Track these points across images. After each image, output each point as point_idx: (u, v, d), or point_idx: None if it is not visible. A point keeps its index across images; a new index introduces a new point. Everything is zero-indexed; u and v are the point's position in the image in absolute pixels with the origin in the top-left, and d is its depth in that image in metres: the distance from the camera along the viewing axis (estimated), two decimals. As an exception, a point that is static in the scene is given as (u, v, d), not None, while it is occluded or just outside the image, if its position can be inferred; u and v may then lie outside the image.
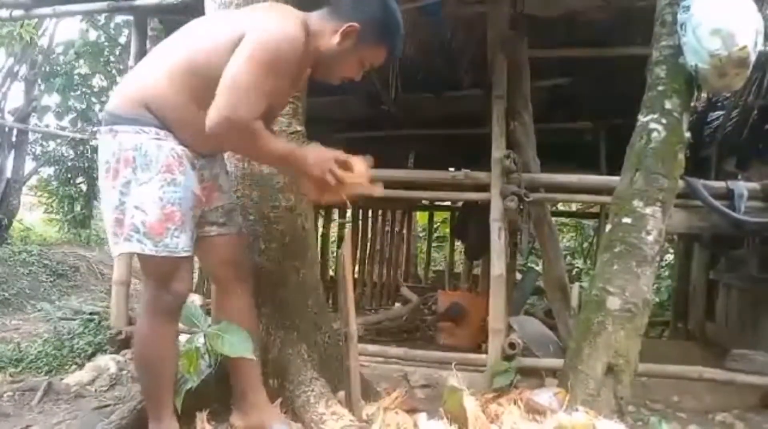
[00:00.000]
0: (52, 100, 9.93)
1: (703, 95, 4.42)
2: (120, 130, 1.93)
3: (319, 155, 2.02)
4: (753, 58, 2.32)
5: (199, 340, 2.28)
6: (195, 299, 2.91)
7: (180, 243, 1.97)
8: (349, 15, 2.00)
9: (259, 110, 1.87)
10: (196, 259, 2.19)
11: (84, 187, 10.54)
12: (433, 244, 9.85)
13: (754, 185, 3.25)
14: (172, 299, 2.03)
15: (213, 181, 2.17)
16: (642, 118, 2.54)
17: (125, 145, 1.92)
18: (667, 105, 2.49)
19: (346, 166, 2.02)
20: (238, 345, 2.12)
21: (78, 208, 10.40)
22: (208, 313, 2.43)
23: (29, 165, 10.09)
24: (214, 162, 2.19)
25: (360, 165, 2.05)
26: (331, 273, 6.89)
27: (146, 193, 1.92)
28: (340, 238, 7.13)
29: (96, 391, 3.19)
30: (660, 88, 2.52)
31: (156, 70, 1.97)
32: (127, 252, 1.98)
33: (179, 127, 1.96)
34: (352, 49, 2.03)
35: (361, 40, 2.01)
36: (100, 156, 2.00)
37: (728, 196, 3.18)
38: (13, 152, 9.15)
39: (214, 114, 1.83)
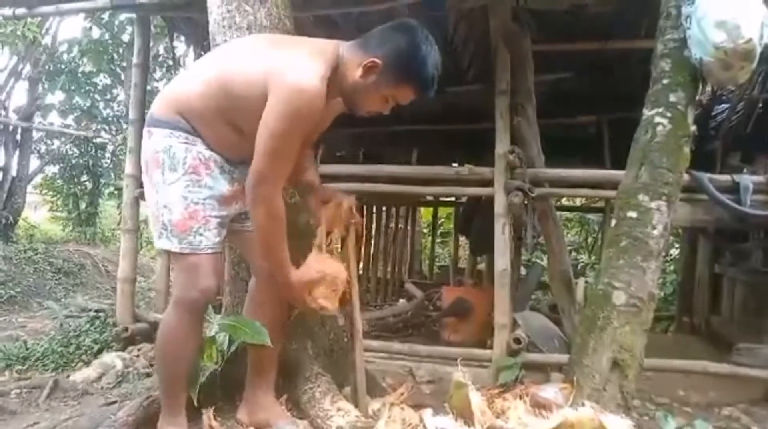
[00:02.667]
0: (56, 98, 9.98)
1: (708, 88, 4.39)
2: (155, 132, 2.04)
3: (298, 285, 2.09)
4: (758, 50, 2.30)
5: (211, 332, 2.30)
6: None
7: (203, 240, 2.04)
8: (374, 49, 1.97)
9: (286, 173, 1.96)
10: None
11: (89, 185, 10.57)
12: (438, 240, 9.84)
13: (760, 178, 3.24)
14: (198, 295, 2.06)
15: None
16: (647, 112, 2.52)
17: (157, 146, 2.02)
18: (672, 98, 2.47)
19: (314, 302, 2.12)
20: (256, 333, 2.18)
21: (83, 206, 10.44)
22: (215, 309, 2.45)
23: (34, 163, 10.13)
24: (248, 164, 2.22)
25: (336, 281, 2.15)
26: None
27: (172, 193, 2.02)
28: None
29: (102, 388, 3.21)
30: (665, 81, 2.50)
31: (191, 83, 2.06)
32: (161, 248, 2.10)
33: (206, 134, 2.04)
34: (375, 84, 1.98)
35: (383, 76, 1.96)
36: (142, 156, 2.11)
37: (734, 189, 3.17)
38: (17, 151, 9.18)
39: (249, 180, 1.93)
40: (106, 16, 8.39)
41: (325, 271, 2.13)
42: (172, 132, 2.01)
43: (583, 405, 2.02)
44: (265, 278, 2.25)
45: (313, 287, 2.10)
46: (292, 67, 1.89)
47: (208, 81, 2.01)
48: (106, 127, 10.59)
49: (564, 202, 9.17)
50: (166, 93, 2.13)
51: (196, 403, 2.22)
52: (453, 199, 7.94)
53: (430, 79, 2.03)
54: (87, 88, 9.81)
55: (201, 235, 2.04)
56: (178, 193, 2.01)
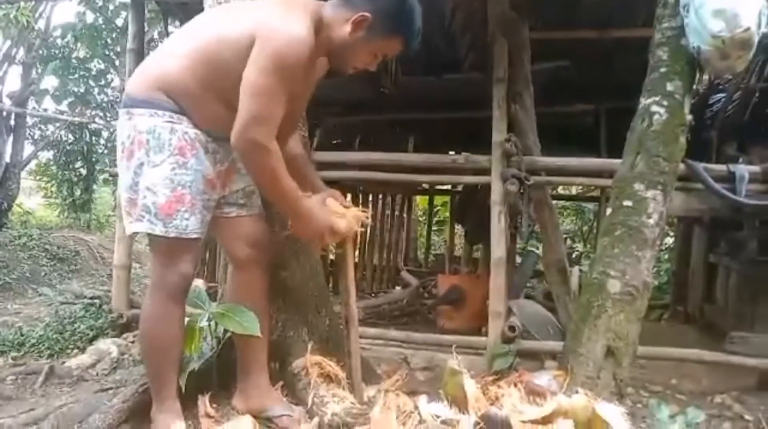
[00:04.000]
0: (50, 83, 9.89)
1: (706, 77, 4.39)
2: (135, 112, 1.98)
3: (320, 218, 2.07)
4: (756, 39, 2.30)
5: (202, 322, 2.29)
6: (198, 283, 2.92)
7: (189, 225, 2.01)
8: (362, 4, 1.97)
9: (276, 123, 1.89)
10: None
11: (83, 171, 10.51)
12: (433, 228, 9.85)
13: (755, 168, 3.24)
14: (179, 280, 2.06)
15: (231, 163, 2.16)
16: (643, 101, 2.52)
17: (140, 127, 1.96)
18: (669, 87, 2.47)
19: (335, 234, 2.13)
20: (246, 323, 2.15)
21: (78, 192, 10.39)
22: (210, 296, 2.44)
23: (28, 149, 10.06)
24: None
25: (351, 220, 2.16)
26: (331, 257, 6.90)
27: (158, 175, 1.97)
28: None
29: (98, 374, 3.22)
30: (662, 70, 2.50)
31: (171, 56, 2.00)
32: (138, 231, 2.04)
33: (192, 111, 1.99)
34: (364, 39, 2.00)
35: (372, 30, 1.98)
36: (118, 137, 2.06)
37: (729, 179, 3.17)
38: (11, 136, 9.11)
39: (235, 126, 1.86)
40: (99, 0, 8.31)
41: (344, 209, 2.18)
42: (156, 112, 1.95)
43: (576, 392, 2.03)
44: (245, 267, 2.24)
45: (333, 221, 2.11)
46: (279, 20, 1.88)
47: (190, 53, 1.96)
48: (101, 113, 10.51)
49: (560, 190, 9.19)
50: (144, 70, 2.06)
51: (184, 389, 2.21)
52: (449, 187, 7.94)
53: (417, 30, 2.05)
54: (81, 73, 9.73)
55: (187, 219, 2.00)
56: (163, 176, 1.97)
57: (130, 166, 1.99)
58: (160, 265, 2.08)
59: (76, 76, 9.65)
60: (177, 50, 2.01)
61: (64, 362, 3.32)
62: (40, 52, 9.21)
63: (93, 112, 10.46)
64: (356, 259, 2.57)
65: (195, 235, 2.04)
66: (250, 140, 1.85)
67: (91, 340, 3.70)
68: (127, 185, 2.01)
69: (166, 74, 1.98)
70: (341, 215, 2.16)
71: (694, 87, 2.65)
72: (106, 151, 10.65)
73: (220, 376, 2.48)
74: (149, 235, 2.03)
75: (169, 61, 2.00)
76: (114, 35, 9.09)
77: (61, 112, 10.16)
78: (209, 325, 2.38)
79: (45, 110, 10.21)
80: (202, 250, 2.19)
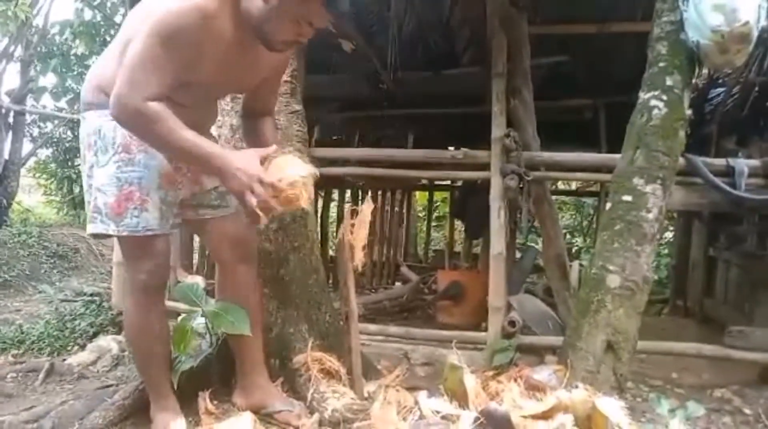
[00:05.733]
0: (48, 80, 9.86)
1: (705, 72, 4.38)
2: (87, 116, 2.01)
3: (240, 167, 1.81)
4: (755, 34, 2.29)
5: (199, 320, 2.29)
6: (198, 280, 2.92)
7: (141, 222, 1.99)
8: None
9: (153, 88, 1.76)
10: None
11: (82, 169, 10.50)
12: (433, 224, 9.86)
13: (755, 162, 3.23)
14: (146, 278, 2.05)
15: None
16: (643, 95, 2.52)
17: (88, 129, 2.00)
18: (668, 82, 2.47)
19: (274, 189, 1.83)
20: (237, 323, 2.15)
21: (77, 189, 10.36)
22: (209, 293, 2.44)
23: (27, 147, 10.04)
24: None
25: (295, 175, 1.86)
26: (331, 253, 6.90)
27: (105, 175, 1.97)
28: (340, 219, 7.13)
29: (98, 371, 3.21)
30: (661, 64, 2.50)
31: (109, 60, 1.98)
32: (94, 232, 2.02)
33: None
34: (279, 6, 1.82)
35: None
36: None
37: (729, 173, 3.16)
38: (10, 134, 9.09)
39: (111, 98, 1.78)
40: (98, -4, 8.30)
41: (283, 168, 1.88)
42: (102, 112, 1.92)
43: (576, 387, 2.03)
44: (231, 267, 2.23)
45: (260, 171, 1.82)
46: None
47: (118, 54, 1.91)
48: (100, 111, 10.50)
49: (560, 185, 9.18)
50: (90, 76, 2.07)
51: (176, 387, 2.21)
52: (448, 182, 7.94)
53: None
54: (80, 70, 9.71)
55: (137, 217, 1.97)
56: (110, 174, 1.96)
57: (84, 169, 2.03)
58: (128, 265, 2.10)
59: (75, 73, 9.63)
60: (112, 52, 1.99)
61: (64, 359, 3.32)
62: (39, 49, 9.18)
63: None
64: (363, 260, 2.46)
65: (150, 233, 2.01)
66: (122, 106, 1.76)
67: (91, 337, 3.70)
68: (85, 188, 2.04)
69: (104, 75, 1.96)
70: (289, 166, 1.89)
71: (694, 81, 2.65)
72: (105, 149, 10.63)
73: (219, 372, 2.48)
74: (108, 236, 2.02)
75: (106, 63, 1.98)
76: (112, 32, 9.04)
77: (60, 110, 10.14)
78: (207, 322, 2.38)
79: (44, 107, 10.19)
80: (168, 247, 2.15)
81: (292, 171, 1.87)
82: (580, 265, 4.73)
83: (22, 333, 3.79)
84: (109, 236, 2.02)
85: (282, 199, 1.86)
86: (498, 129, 3.38)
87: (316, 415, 2.18)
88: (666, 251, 7.50)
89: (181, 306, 2.51)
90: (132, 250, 2.05)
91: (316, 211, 3.73)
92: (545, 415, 1.94)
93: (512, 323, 3.21)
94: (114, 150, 1.95)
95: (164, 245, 2.10)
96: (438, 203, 10.70)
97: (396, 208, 7.69)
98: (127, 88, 1.75)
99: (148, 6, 1.91)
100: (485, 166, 3.41)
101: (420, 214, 10.09)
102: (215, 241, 2.25)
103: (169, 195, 2.06)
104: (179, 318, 2.31)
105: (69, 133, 10.30)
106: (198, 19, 1.76)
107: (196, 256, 4.78)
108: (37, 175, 11.09)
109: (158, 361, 2.14)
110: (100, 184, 1.97)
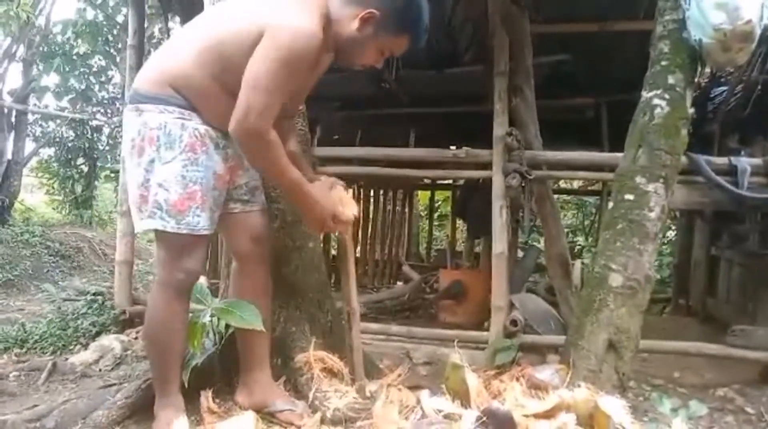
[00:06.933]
0: (50, 80, 9.90)
1: (707, 70, 4.37)
2: (145, 109, 1.97)
3: (325, 205, 2.10)
4: (758, 32, 2.29)
5: (205, 318, 2.30)
6: (201, 279, 2.92)
7: (201, 221, 2.02)
8: (370, 0, 1.96)
9: (275, 112, 1.88)
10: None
11: (85, 168, 10.53)
12: (435, 223, 9.86)
13: (757, 161, 3.23)
14: (185, 277, 2.06)
15: (238, 159, 2.16)
16: (645, 94, 2.51)
17: (150, 123, 1.96)
18: (671, 80, 2.46)
19: (337, 223, 2.15)
20: (248, 317, 2.15)
21: (79, 189, 10.40)
22: (212, 292, 2.45)
23: (29, 146, 10.07)
24: None
25: (350, 213, 2.17)
26: (333, 252, 6.91)
27: (169, 172, 1.97)
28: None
29: (101, 370, 3.22)
30: (663, 63, 2.49)
31: (181, 51, 2.00)
32: (150, 228, 2.04)
33: (202, 106, 1.99)
34: (372, 36, 1.99)
35: (380, 27, 1.98)
36: (125, 133, 2.05)
37: (731, 172, 3.16)
38: (12, 134, 9.12)
39: (234, 114, 1.85)
40: (100, -4, 8.31)
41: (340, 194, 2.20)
42: (165, 108, 1.95)
43: (579, 386, 2.03)
44: (247, 262, 2.25)
45: (336, 208, 2.13)
46: (288, 15, 1.88)
47: (200, 48, 1.95)
48: (102, 110, 10.53)
49: (561, 184, 9.18)
50: (152, 66, 2.05)
51: (187, 384, 2.22)
52: (450, 182, 7.94)
53: (425, 28, 2.05)
54: (82, 69, 9.73)
55: (198, 216, 2.01)
56: (176, 172, 1.97)
57: (141, 162, 1.98)
58: (167, 262, 2.07)
59: (77, 72, 9.65)
60: (185, 46, 2.00)
61: (67, 358, 3.33)
62: (41, 48, 9.21)
63: (94, 109, 10.47)
64: (357, 255, 2.54)
65: (205, 232, 2.05)
66: (248, 130, 1.85)
67: (94, 337, 3.71)
68: (137, 182, 2.01)
69: (174, 70, 1.97)
70: (346, 202, 2.18)
71: (696, 80, 2.64)
72: (107, 148, 10.67)
73: (222, 371, 2.49)
74: (158, 231, 2.03)
75: (178, 57, 1.99)
76: (114, 31, 9.09)
77: (62, 109, 10.17)
78: (211, 320, 2.38)
79: (46, 107, 10.22)
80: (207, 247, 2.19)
81: (349, 211, 2.17)
82: (582, 264, 4.73)
83: (25, 332, 3.80)
84: (165, 233, 2.01)
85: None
86: (500, 128, 3.38)
87: (318, 414, 2.18)
88: (668, 250, 7.49)
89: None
90: (179, 248, 2.04)
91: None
92: (547, 415, 1.93)
93: (514, 322, 3.21)
94: (181, 148, 1.96)
95: (207, 246, 2.16)
96: (440, 202, 10.69)
97: (398, 207, 7.69)
98: (257, 113, 1.83)
99: (258, 19, 1.90)
100: (487, 165, 3.41)
101: (422, 214, 10.09)
102: (238, 235, 2.25)
103: (220, 196, 2.10)
104: (189, 315, 2.30)
105: (71, 132, 10.33)
106: (317, 45, 1.88)
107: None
108: (40, 174, 11.12)
109: (173, 358, 2.14)
110: (162, 179, 1.96)
